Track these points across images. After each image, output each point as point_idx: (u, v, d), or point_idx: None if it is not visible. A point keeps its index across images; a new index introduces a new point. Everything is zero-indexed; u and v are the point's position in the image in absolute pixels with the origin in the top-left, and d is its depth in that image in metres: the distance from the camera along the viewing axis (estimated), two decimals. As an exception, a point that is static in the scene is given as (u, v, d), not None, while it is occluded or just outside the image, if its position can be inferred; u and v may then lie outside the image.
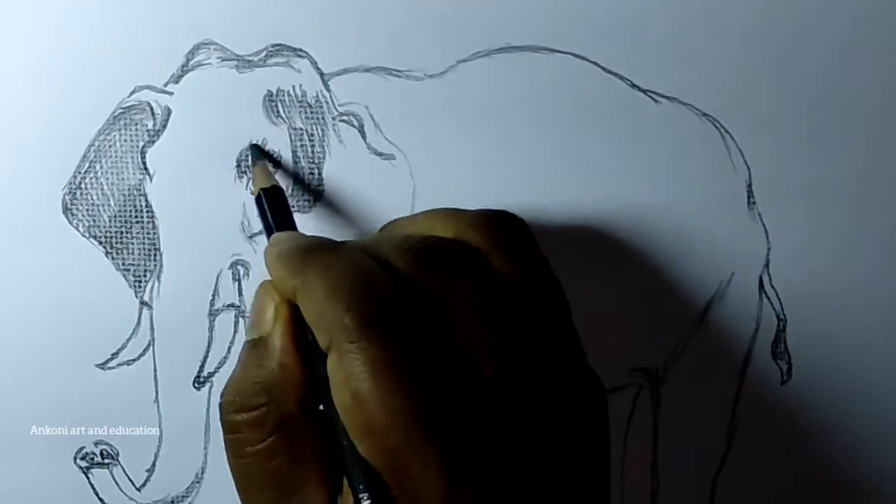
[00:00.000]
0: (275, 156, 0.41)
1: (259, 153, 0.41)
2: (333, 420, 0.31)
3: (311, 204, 0.41)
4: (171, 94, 0.41)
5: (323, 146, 0.41)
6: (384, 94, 0.40)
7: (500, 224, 0.35)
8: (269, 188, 0.39)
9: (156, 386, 0.43)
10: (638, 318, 0.41)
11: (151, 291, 0.42)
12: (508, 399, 0.31)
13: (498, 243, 0.34)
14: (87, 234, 0.42)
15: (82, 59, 0.41)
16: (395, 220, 0.38)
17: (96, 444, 0.44)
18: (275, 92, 0.40)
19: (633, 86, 0.40)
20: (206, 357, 0.43)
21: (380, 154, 0.41)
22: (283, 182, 0.41)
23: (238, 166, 0.41)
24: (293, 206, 0.41)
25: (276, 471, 0.33)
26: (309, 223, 0.41)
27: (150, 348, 0.43)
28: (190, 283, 0.42)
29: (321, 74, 0.40)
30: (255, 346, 0.34)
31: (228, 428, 0.33)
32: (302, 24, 0.40)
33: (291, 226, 0.38)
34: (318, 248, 0.33)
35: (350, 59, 0.40)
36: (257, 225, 0.41)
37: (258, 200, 0.39)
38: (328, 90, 0.40)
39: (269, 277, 0.34)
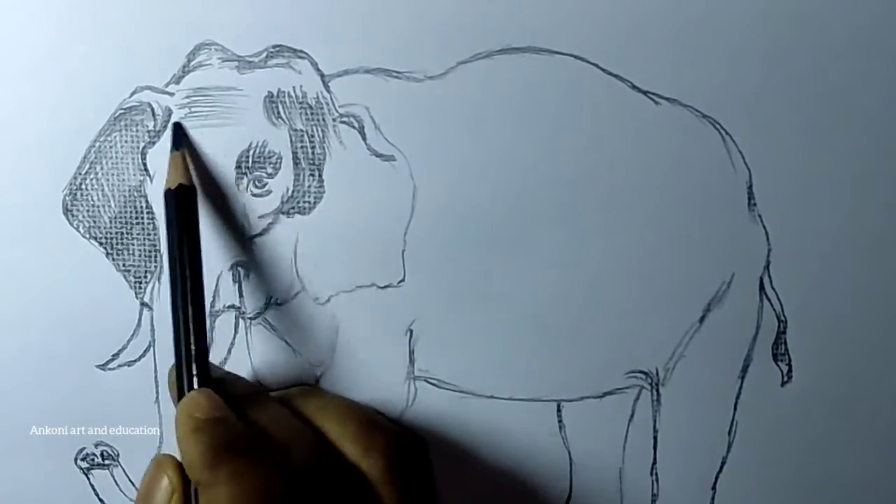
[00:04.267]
0: (274, 157, 0.41)
1: (181, 136, 0.40)
2: None
3: (311, 205, 0.41)
4: (171, 94, 0.41)
5: (323, 147, 0.41)
6: (384, 96, 0.40)
7: (400, 462, 0.39)
8: (178, 188, 0.39)
9: (156, 387, 0.43)
10: (638, 319, 0.41)
11: (152, 292, 0.42)
12: None
13: (392, 475, 0.38)
14: (87, 235, 0.42)
15: (83, 60, 0.41)
16: (312, 392, 0.41)
17: (97, 445, 0.44)
18: (275, 93, 0.40)
19: (634, 87, 0.40)
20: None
21: (380, 155, 0.41)
22: (284, 183, 0.41)
23: (238, 167, 0.41)
24: (294, 208, 0.41)
25: None
26: (309, 224, 0.41)
27: (151, 349, 0.43)
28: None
29: (322, 75, 0.40)
30: None
31: None
32: (303, 25, 0.40)
33: (195, 235, 0.39)
34: (235, 449, 0.35)
35: (350, 60, 0.40)
36: (257, 226, 0.41)
37: (166, 198, 0.39)
38: (329, 91, 0.40)
39: None
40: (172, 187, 0.39)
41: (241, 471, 0.35)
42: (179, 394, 0.38)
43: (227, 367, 0.42)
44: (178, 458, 0.37)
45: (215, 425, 0.36)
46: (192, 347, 0.38)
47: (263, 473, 0.35)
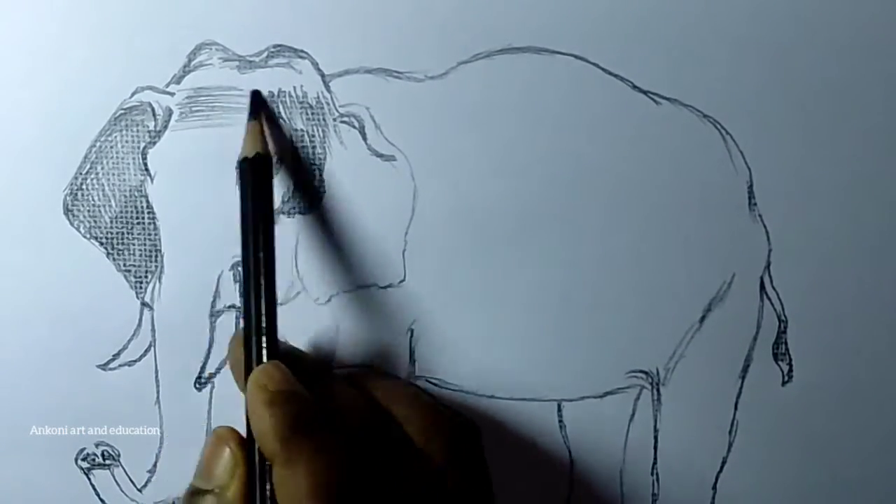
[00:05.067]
0: (273, 159, 0.41)
1: (259, 104, 0.40)
2: None
3: (311, 205, 0.41)
4: (172, 94, 0.41)
5: (324, 147, 0.41)
6: (385, 96, 0.40)
7: (464, 448, 0.39)
8: (254, 157, 0.38)
9: (157, 387, 0.43)
10: (638, 319, 0.41)
11: (152, 292, 0.42)
12: None
13: (455, 460, 0.38)
14: (88, 235, 0.42)
15: (83, 60, 0.41)
16: (379, 374, 0.42)
17: (97, 445, 0.44)
18: (276, 93, 0.40)
19: (634, 87, 0.40)
20: (207, 358, 0.43)
21: (380, 155, 0.41)
22: (284, 183, 0.41)
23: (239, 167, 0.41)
24: (294, 208, 0.41)
25: None
26: (309, 224, 0.41)
27: (152, 349, 0.43)
28: (191, 283, 0.42)
29: (322, 75, 0.40)
30: (203, 498, 0.36)
31: None
32: (303, 25, 0.40)
33: (269, 205, 0.38)
34: (312, 424, 0.35)
35: (351, 60, 0.40)
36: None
37: (241, 166, 0.39)
38: (329, 91, 0.40)
39: None
40: (249, 156, 0.38)
41: (319, 448, 0.34)
42: (247, 366, 0.37)
43: (227, 367, 0.42)
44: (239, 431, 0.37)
45: (289, 399, 0.36)
46: (264, 319, 0.37)
47: (340, 449, 0.35)
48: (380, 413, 0.38)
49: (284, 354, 0.38)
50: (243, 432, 0.37)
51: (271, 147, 0.40)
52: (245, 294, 0.38)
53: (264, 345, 0.37)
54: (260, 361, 0.37)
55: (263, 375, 0.36)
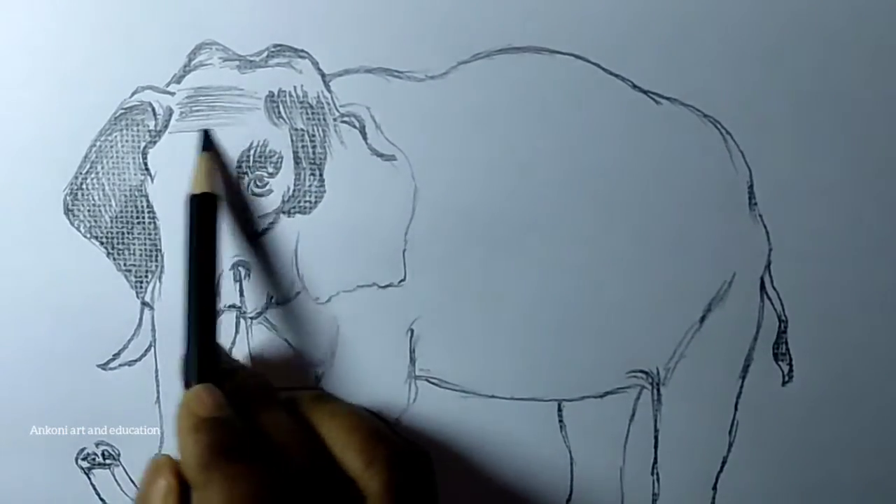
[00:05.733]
0: (275, 157, 0.41)
1: (208, 141, 0.40)
2: None
3: (312, 205, 0.41)
4: (172, 94, 0.41)
5: (324, 147, 0.41)
6: (385, 95, 0.40)
7: (402, 478, 0.38)
8: (201, 195, 0.39)
9: (157, 386, 0.43)
10: (638, 319, 0.41)
11: (153, 292, 0.42)
12: None
13: (393, 489, 0.37)
14: (88, 235, 0.42)
15: (84, 60, 0.41)
16: (323, 398, 0.41)
17: (98, 444, 0.44)
18: (276, 92, 0.40)
19: (635, 87, 0.40)
20: (207, 358, 0.43)
21: (381, 155, 0.41)
22: (284, 182, 0.41)
23: (239, 167, 0.41)
24: (294, 207, 0.41)
25: None
26: (310, 223, 0.41)
27: (152, 349, 0.43)
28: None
29: (322, 75, 0.40)
30: None
31: None
32: (303, 24, 0.40)
33: (212, 250, 0.39)
34: (232, 452, 0.36)
35: (351, 60, 0.40)
36: (258, 226, 0.41)
37: (190, 201, 0.39)
38: (329, 91, 0.40)
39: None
40: (197, 192, 0.39)
41: (235, 475, 0.35)
42: (185, 387, 0.38)
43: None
44: (177, 457, 0.37)
45: (215, 425, 0.36)
46: (203, 341, 0.38)
47: (257, 480, 0.35)
48: (315, 441, 0.38)
49: (226, 374, 0.38)
50: None
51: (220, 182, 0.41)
52: (185, 315, 0.38)
53: (197, 366, 0.38)
54: (197, 382, 0.38)
55: (193, 399, 0.37)
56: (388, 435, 0.40)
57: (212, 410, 0.36)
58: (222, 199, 0.40)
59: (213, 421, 0.36)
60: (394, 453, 0.38)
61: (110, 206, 0.42)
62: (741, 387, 0.42)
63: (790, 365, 0.41)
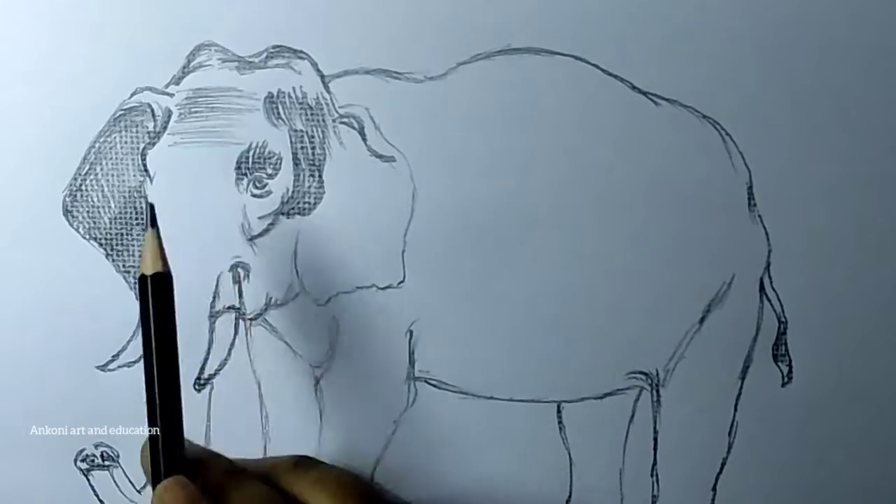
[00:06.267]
0: (274, 158, 0.41)
1: (153, 217, 0.39)
2: None
3: (311, 206, 0.41)
4: (171, 95, 0.41)
5: (323, 148, 0.41)
6: (384, 96, 0.40)
7: None
8: (153, 275, 0.38)
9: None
10: (638, 320, 0.41)
11: (152, 293, 0.42)
12: None
13: None
14: (87, 236, 0.42)
15: (83, 61, 0.41)
16: (305, 465, 0.40)
17: (97, 446, 0.44)
18: (275, 93, 0.40)
19: (634, 88, 0.40)
20: (206, 359, 0.43)
21: (380, 156, 0.41)
22: (284, 183, 0.41)
23: (238, 168, 0.41)
24: (294, 208, 0.41)
25: None
26: (309, 224, 0.41)
27: (151, 350, 0.43)
28: (190, 284, 0.42)
29: (322, 76, 0.40)
30: None
31: None
32: (302, 25, 0.40)
33: (171, 321, 0.38)
34: None
35: (350, 61, 0.40)
36: (258, 227, 0.41)
37: (141, 282, 0.38)
38: (329, 92, 0.40)
39: None
40: (148, 274, 0.38)
41: None
42: (154, 479, 0.38)
43: (227, 368, 0.43)
44: None
45: None
46: (168, 432, 0.38)
47: None
48: None
49: (193, 462, 0.38)
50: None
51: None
52: (148, 402, 0.38)
53: (163, 455, 0.38)
54: (167, 473, 0.37)
55: (167, 496, 0.37)
56: (381, 497, 0.40)
57: (187, 502, 0.36)
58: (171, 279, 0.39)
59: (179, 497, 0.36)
60: None
61: (109, 207, 0.42)
62: (741, 388, 0.42)
63: (789, 366, 0.41)
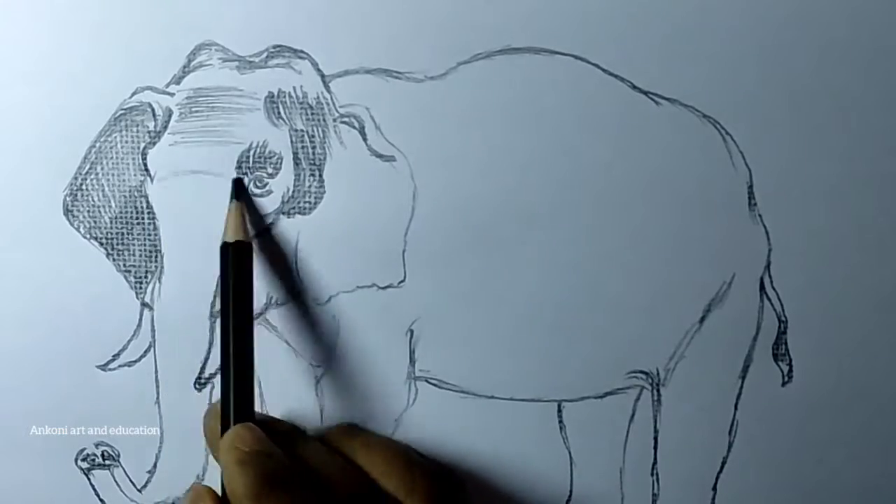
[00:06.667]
0: (274, 157, 0.41)
1: (240, 189, 0.41)
2: None
3: (311, 205, 0.41)
4: (172, 95, 0.41)
5: (324, 148, 0.41)
6: (385, 96, 0.40)
7: (443, 497, 0.39)
8: (234, 244, 0.40)
9: (157, 387, 0.43)
10: (638, 320, 0.41)
11: (152, 293, 0.42)
12: None
13: None
14: (87, 236, 0.42)
15: (83, 60, 0.41)
16: (355, 431, 0.42)
17: (97, 445, 0.44)
18: (276, 93, 0.40)
19: (634, 87, 0.40)
20: (206, 358, 0.43)
21: (381, 156, 0.41)
22: (284, 183, 0.41)
23: (239, 167, 0.41)
24: (294, 208, 0.41)
25: None
26: (310, 224, 0.41)
27: (151, 349, 0.43)
28: (191, 284, 0.42)
29: (322, 76, 0.40)
30: None
31: None
32: (303, 25, 0.40)
33: (248, 299, 0.39)
34: (282, 481, 0.36)
35: (351, 60, 0.40)
36: (258, 227, 0.41)
37: (223, 250, 0.40)
38: (329, 91, 0.40)
39: None
40: (230, 241, 0.40)
41: (287, 503, 0.36)
42: (223, 429, 0.39)
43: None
44: (218, 490, 0.38)
45: (260, 458, 0.37)
46: (240, 387, 0.39)
47: None
48: (356, 470, 0.39)
49: (259, 421, 0.39)
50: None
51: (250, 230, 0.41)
52: (223, 364, 0.39)
53: (233, 412, 0.39)
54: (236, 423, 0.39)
55: (236, 437, 0.38)
56: (424, 463, 0.41)
57: (256, 445, 0.37)
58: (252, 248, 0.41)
59: (258, 454, 0.37)
60: (433, 480, 0.39)
61: (110, 206, 0.42)
62: (741, 387, 0.42)
63: (790, 365, 0.41)
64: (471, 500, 0.43)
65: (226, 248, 0.40)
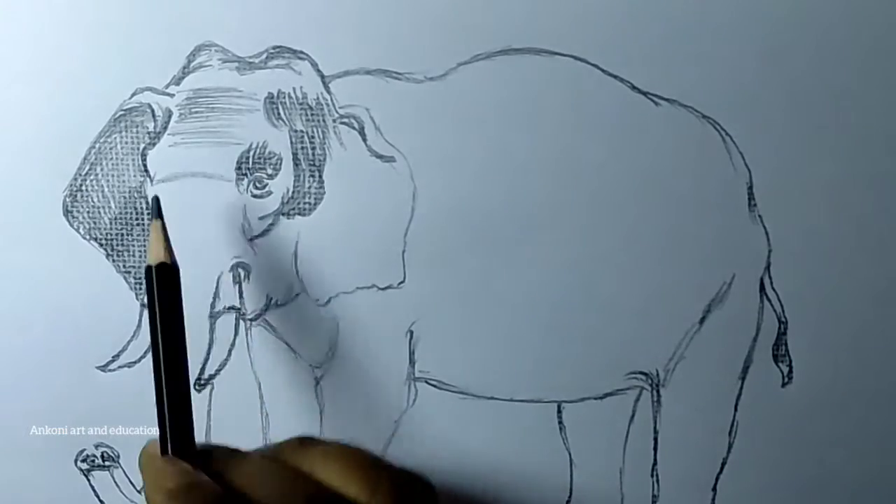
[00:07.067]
0: (274, 158, 0.41)
1: (157, 208, 0.39)
2: None
3: (311, 206, 0.41)
4: (171, 95, 0.41)
5: (324, 148, 0.41)
6: (385, 97, 0.40)
7: (408, 498, 0.37)
8: (158, 266, 0.37)
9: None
10: (638, 320, 0.41)
11: (152, 293, 0.42)
12: None
13: None
14: (87, 237, 0.42)
15: (83, 61, 0.41)
16: (310, 442, 0.39)
17: (97, 446, 0.44)
18: (275, 94, 0.40)
19: (634, 88, 0.40)
20: (206, 359, 0.43)
21: (380, 156, 0.41)
22: (284, 184, 0.41)
23: (239, 168, 0.41)
24: (294, 208, 0.41)
25: None
26: (310, 225, 0.41)
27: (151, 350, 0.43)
28: (191, 284, 0.42)
29: (322, 76, 0.40)
30: None
31: None
32: (303, 26, 0.40)
33: (178, 313, 0.38)
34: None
35: (351, 61, 0.40)
36: (258, 227, 0.41)
37: (147, 273, 0.38)
38: (329, 92, 0.40)
39: None
40: (153, 264, 0.38)
41: None
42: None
43: (227, 368, 0.43)
44: None
45: (188, 491, 0.36)
46: (175, 417, 0.37)
47: None
48: (309, 485, 0.37)
49: (200, 452, 0.38)
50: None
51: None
52: (157, 394, 0.38)
53: (170, 444, 0.38)
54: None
55: (158, 476, 0.36)
56: (386, 464, 0.39)
57: (179, 478, 0.36)
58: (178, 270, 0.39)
59: (186, 486, 0.36)
60: (395, 480, 0.38)
61: (110, 207, 0.42)
62: (741, 388, 0.42)
63: (790, 366, 0.41)
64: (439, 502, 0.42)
65: (149, 272, 0.38)
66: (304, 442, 0.40)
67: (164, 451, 0.37)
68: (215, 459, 0.38)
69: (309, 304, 0.42)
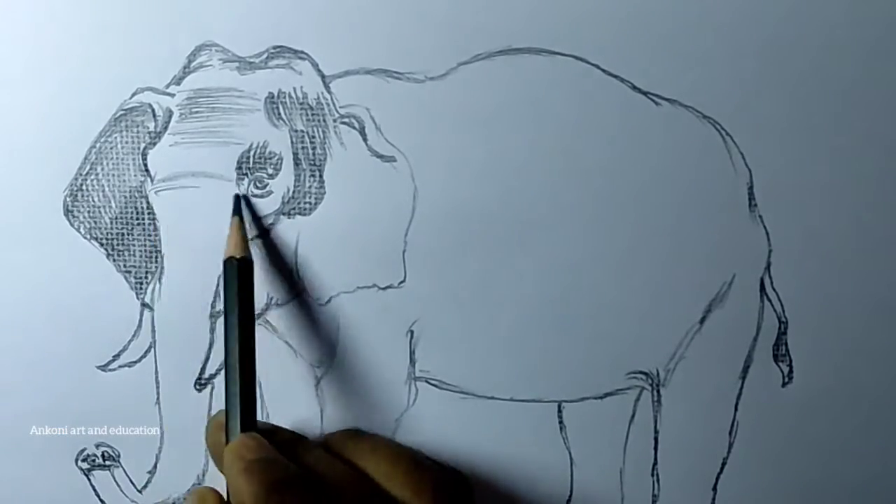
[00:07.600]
0: (274, 158, 0.41)
1: (240, 204, 0.41)
2: None
3: (312, 206, 0.41)
4: (172, 95, 0.41)
5: (324, 148, 0.41)
6: (385, 97, 0.40)
7: (449, 497, 0.39)
8: (240, 259, 0.40)
9: (157, 388, 0.43)
10: (638, 320, 0.41)
11: (152, 293, 0.42)
12: None
13: None
14: (88, 236, 0.42)
15: (84, 61, 0.41)
16: (358, 436, 0.42)
17: (98, 446, 0.44)
18: (276, 94, 0.40)
19: (634, 88, 0.40)
20: (207, 359, 0.43)
21: (381, 156, 0.41)
22: (284, 184, 0.41)
23: (239, 168, 0.41)
24: (294, 208, 0.41)
25: None
26: (310, 224, 0.41)
27: (152, 350, 0.43)
28: (191, 284, 0.42)
29: (322, 76, 0.40)
30: None
31: None
32: (303, 26, 0.40)
33: (251, 313, 0.40)
34: (287, 487, 0.36)
35: (351, 61, 0.40)
36: (258, 227, 0.41)
37: (226, 265, 0.40)
38: (329, 92, 0.40)
39: None
40: (237, 256, 0.40)
41: None
42: (227, 440, 0.39)
43: (227, 368, 0.43)
44: (222, 492, 0.39)
45: (266, 465, 0.37)
46: (244, 399, 0.39)
47: None
48: (360, 475, 0.39)
49: (262, 430, 0.39)
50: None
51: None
52: (227, 378, 0.39)
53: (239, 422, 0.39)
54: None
55: (240, 446, 0.38)
56: (430, 464, 0.41)
57: (259, 453, 0.37)
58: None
59: (263, 461, 0.37)
60: (438, 481, 0.39)
61: (110, 207, 0.42)
62: (741, 388, 0.42)
63: (790, 366, 0.41)
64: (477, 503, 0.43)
65: (229, 263, 0.40)
66: (354, 435, 0.42)
67: (229, 431, 0.39)
68: (282, 441, 0.39)
69: (309, 304, 0.42)
